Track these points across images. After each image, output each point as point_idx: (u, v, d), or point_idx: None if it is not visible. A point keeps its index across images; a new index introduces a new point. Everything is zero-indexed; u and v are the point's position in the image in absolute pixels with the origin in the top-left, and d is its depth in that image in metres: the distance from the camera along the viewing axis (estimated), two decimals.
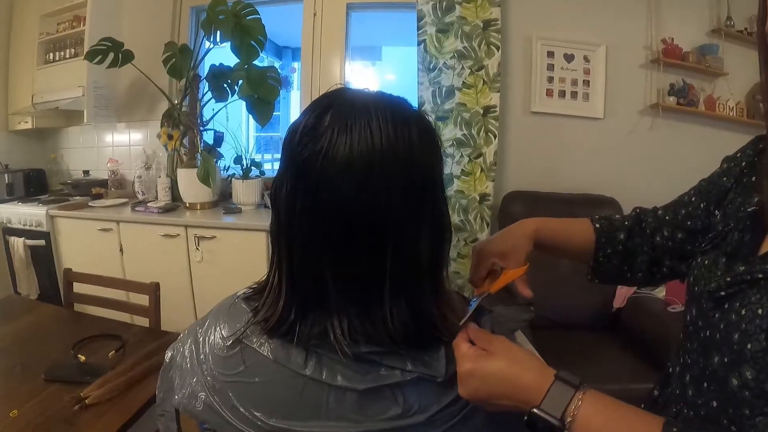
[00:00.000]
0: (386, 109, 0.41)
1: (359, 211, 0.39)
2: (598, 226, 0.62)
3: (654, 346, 1.54)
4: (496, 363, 0.39)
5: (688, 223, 0.55)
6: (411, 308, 0.42)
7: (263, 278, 0.48)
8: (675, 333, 1.58)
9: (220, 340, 0.46)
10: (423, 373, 0.41)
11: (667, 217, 0.58)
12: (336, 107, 0.41)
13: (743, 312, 0.39)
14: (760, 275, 0.38)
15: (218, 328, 0.47)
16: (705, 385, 0.42)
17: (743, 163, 0.50)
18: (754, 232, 0.44)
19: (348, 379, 0.41)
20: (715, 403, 0.41)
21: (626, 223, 0.61)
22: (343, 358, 0.41)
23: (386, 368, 0.41)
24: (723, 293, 0.41)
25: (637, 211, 0.62)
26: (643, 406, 0.51)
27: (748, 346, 0.37)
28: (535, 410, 0.37)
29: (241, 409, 0.42)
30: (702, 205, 0.54)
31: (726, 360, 0.39)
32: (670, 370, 0.50)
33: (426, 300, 0.43)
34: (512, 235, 0.59)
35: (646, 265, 0.59)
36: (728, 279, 0.41)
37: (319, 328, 0.42)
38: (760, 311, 0.37)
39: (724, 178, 0.52)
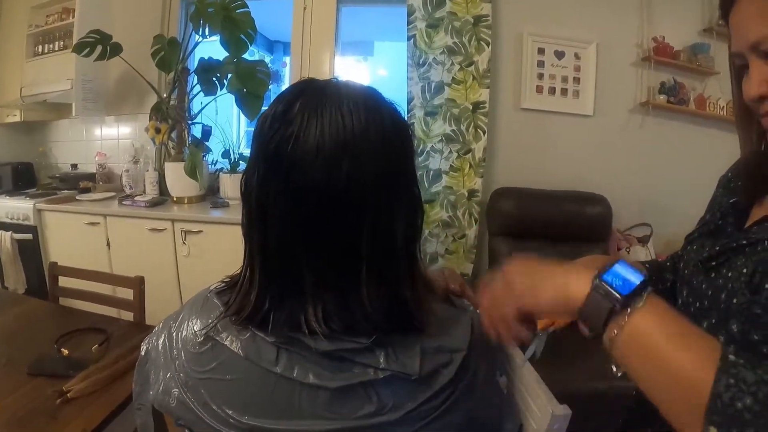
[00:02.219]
0: (357, 96, 0.41)
1: (331, 194, 0.39)
2: (647, 266, 0.61)
3: None
4: (537, 265, 0.40)
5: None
6: (387, 291, 0.41)
7: (236, 272, 0.47)
8: None
9: (191, 336, 0.46)
10: (396, 371, 0.41)
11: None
12: (306, 94, 0.41)
13: (729, 274, 0.40)
14: (744, 241, 0.40)
15: (191, 323, 0.47)
16: None
17: (729, 174, 0.53)
18: (736, 216, 0.46)
19: (319, 377, 0.41)
20: None
21: (668, 263, 0.61)
22: (315, 355, 0.41)
23: (359, 366, 0.41)
24: (714, 263, 0.43)
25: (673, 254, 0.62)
26: (634, 393, 0.52)
27: (734, 300, 0.38)
28: (595, 281, 0.34)
29: (214, 407, 0.42)
30: (708, 216, 0.53)
31: (714, 321, 0.41)
32: None
33: (402, 283, 0.43)
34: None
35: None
36: (717, 248, 0.43)
37: (294, 316, 0.41)
38: (744, 270, 0.39)
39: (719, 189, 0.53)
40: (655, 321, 0.32)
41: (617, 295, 0.33)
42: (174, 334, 0.48)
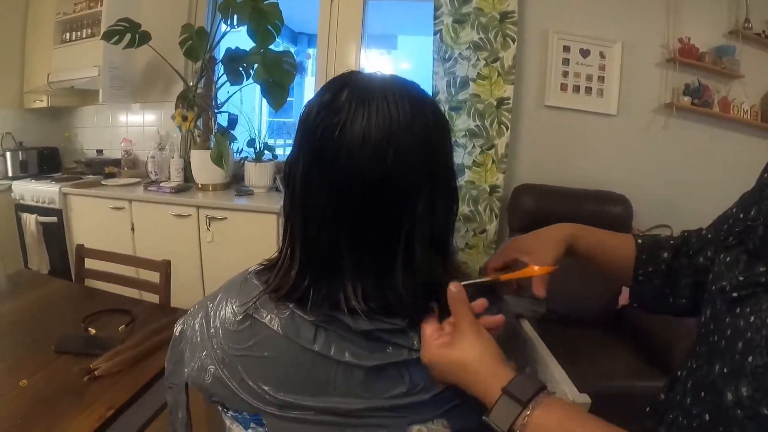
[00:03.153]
0: (402, 89, 0.42)
1: (375, 183, 0.40)
2: (640, 241, 0.56)
3: (658, 345, 1.54)
4: (454, 358, 0.39)
5: (730, 239, 0.46)
6: (422, 277, 0.43)
7: (274, 255, 0.49)
8: (679, 333, 1.58)
9: (230, 315, 0.47)
10: None
11: (709, 236, 0.52)
12: (352, 85, 0.42)
13: (752, 319, 0.35)
14: None
15: (229, 303, 0.48)
16: (702, 394, 0.39)
17: None
18: None
19: (356, 356, 0.42)
20: (707, 417, 0.38)
21: (671, 242, 0.55)
22: (353, 334, 0.42)
23: (393, 346, 0.42)
24: (735, 294, 0.37)
25: (685, 233, 0.56)
26: (648, 409, 0.51)
27: (749, 358, 0.33)
28: (484, 418, 0.36)
29: (250, 383, 0.43)
30: (741, 216, 0.46)
31: (726, 371, 0.36)
32: (678, 373, 0.47)
33: (437, 266, 0.44)
34: (545, 235, 0.56)
35: (689, 290, 0.52)
36: (741, 279, 0.37)
37: (333, 294, 0.42)
38: None
39: (765, 174, 0.45)
40: (553, 420, 0.35)
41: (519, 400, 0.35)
42: (212, 313, 0.49)
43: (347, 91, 0.41)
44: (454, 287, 0.42)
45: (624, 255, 0.56)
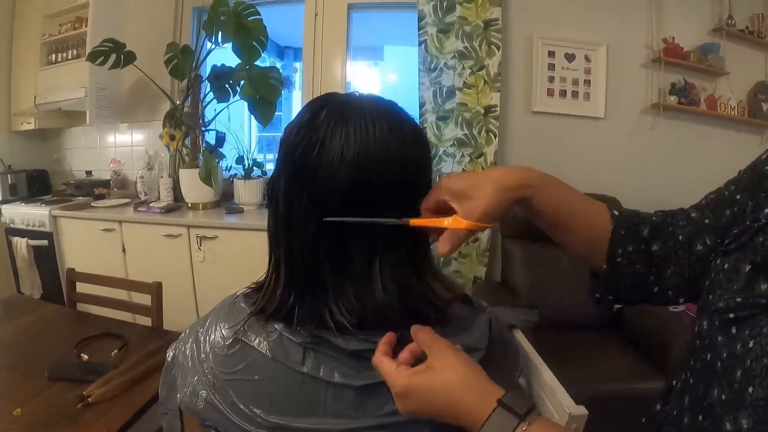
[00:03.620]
0: (379, 107, 0.44)
1: (353, 198, 0.41)
2: (617, 213, 0.46)
3: (656, 345, 1.54)
4: (436, 384, 0.37)
5: (736, 231, 0.40)
6: (402, 285, 0.43)
7: (261, 278, 0.49)
8: (676, 333, 1.57)
9: (220, 339, 0.47)
10: None
11: (706, 221, 0.44)
12: (331, 104, 0.43)
13: (751, 344, 0.32)
14: None
15: (218, 327, 0.48)
16: (700, 418, 0.38)
17: None
18: None
19: (345, 376, 0.42)
20: None
21: (653, 218, 0.47)
22: (341, 354, 0.42)
23: None
24: (732, 315, 0.34)
25: (660, 213, 0.48)
26: (643, 420, 0.49)
27: (750, 389, 0.32)
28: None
29: (241, 406, 0.43)
30: (750, 203, 0.40)
31: (724, 398, 0.34)
32: (674, 383, 0.45)
33: (416, 278, 0.45)
34: (485, 178, 0.42)
35: (680, 279, 0.44)
36: (739, 300, 0.34)
37: (317, 310, 0.43)
38: None
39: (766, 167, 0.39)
40: None
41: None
42: (201, 338, 0.49)
43: (326, 110, 0.42)
44: (415, 334, 0.41)
45: (595, 224, 0.45)
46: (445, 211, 0.43)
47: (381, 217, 0.42)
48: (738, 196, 0.42)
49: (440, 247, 0.42)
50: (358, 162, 0.40)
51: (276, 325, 0.45)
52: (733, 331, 0.34)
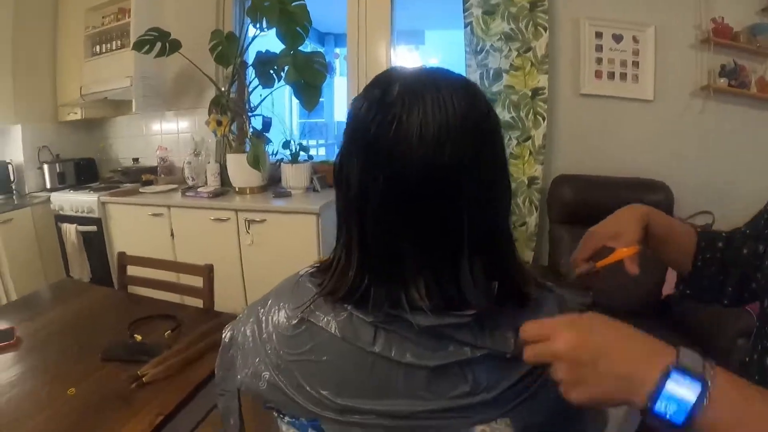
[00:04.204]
0: (452, 80, 0.41)
1: (434, 177, 0.39)
2: (699, 230, 0.61)
3: (703, 334, 1.51)
4: (614, 322, 0.34)
5: (767, 231, 0.52)
6: (491, 268, 0.42)
7: (327, 258, 0.47)
8: (724, 321, 1.54)
9: (284, 319, 0.46)
10: (492, 348, 0.41)
11: (748, 231, 0.56)
12: (402, 80, 0.41)
13: None
14: None
15: (282, 308, 0.47)
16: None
17: None
18: None
19: (417, 356, 0.41)
20: None
21: (723, 234, 0.60)
22: (416, 332, 0.40)
23: (456, 344, 0.41)
24: None
25: (732, 231, 0.61)
26: None
27: None
28: (672, 367, 0.30)
29: (308, 388, 0.42)
30: None
31: None
32: (747, 359, 0.48)
33: (504, 260, 0.44)
34: (623, 217, 0.57)
35: (737, 279, 0.57)
36: None
37: (394, 293, 0.41)
38: None
39: None
40: (736, 404, 0.30)
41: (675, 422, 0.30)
42: (263, 318, 0.48)
43: (398, 85, 0.40)
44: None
45: (688, 239, 0.60)
46: (596, 255, 0.57)
47: (466, 195, 0.39)
48: None
49: (633, 269, 0.54)
50: (438, 139, 0.38)
51: (346, 305, 0.43)
52: None
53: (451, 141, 0.38)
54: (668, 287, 1.78)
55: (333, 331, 0.42)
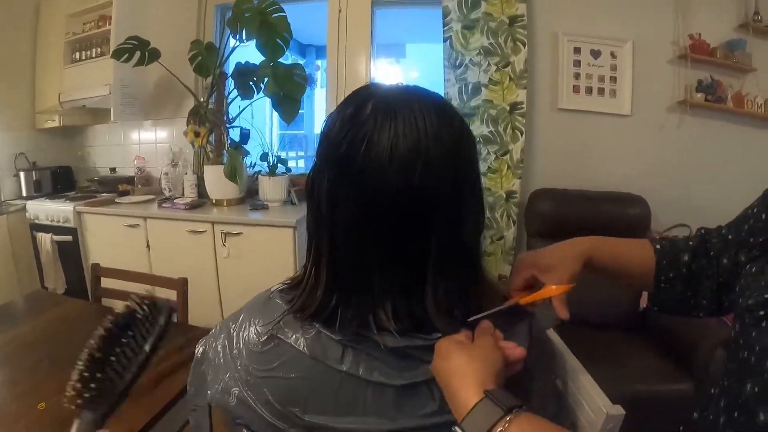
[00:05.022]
0: (426, 100, 0.41)
1: (405, 195, 0.38)
2: (658, 247, 0.56)
3: (681, 346, 1.52)
4: (460, 354, 0.38)
5: (751, 240, 0.48)
6: (454, 288, 0.42)
7: (298, 274, 0.47)
8: (703, 331, 1.56)
9: (254, 335, 0.46)
10: None
11: (730, 236, 0.52)
12: (375, 98, 0.41)
13: None
14: None
15: (252, 323, 0.47)
16: (736, 414, 0.39)
17: None
18: None
19: (385, 375, 0.41)
20: None
21: (690, 243, 0.55)
22: (382, 353, 0.41)
23: (423, 364, 0.41)
24: (762, 312, 0.37)
25: (702, 231, 0.56)
26: (681, 429, 0.49)
27: None
28: (455, 428, 0.35)
29: (276, 405, 0.42)
30: (764, 216, 0.46)
31: (757, 390, 0.36)
32: (712, 391, 0.47)
33: (469, 281, 0.43)
34: (560, 251, 0.54)
35: (711, 291, 0.52)
36: (767, 296, 0.37)
37: (362, 313, 0.41)
38: None
39: None
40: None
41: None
42: (234, 334, 0.48)
43: (371, 103, 0.40)
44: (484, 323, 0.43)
45: (643, 263, 0.56)
46: (530, 287, 0.53)
47: (436, 216, 0.40)
48: (756, 211, 0.48)
49: (562, 312, 0.51)
50: (409, 159, 0.37)
51: (315, 323, 0.43)
52: (764, 324, 0.37)
53: (422, 162, 0.38)
54: (645, 300, 1.79)
55: (301, 349, 0.42)
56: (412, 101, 0.40)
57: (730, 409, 0.40)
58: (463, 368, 0.37)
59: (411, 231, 0.40)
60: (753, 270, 0.42)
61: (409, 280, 0.41)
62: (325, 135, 0.42)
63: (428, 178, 0.38)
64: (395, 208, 0.39)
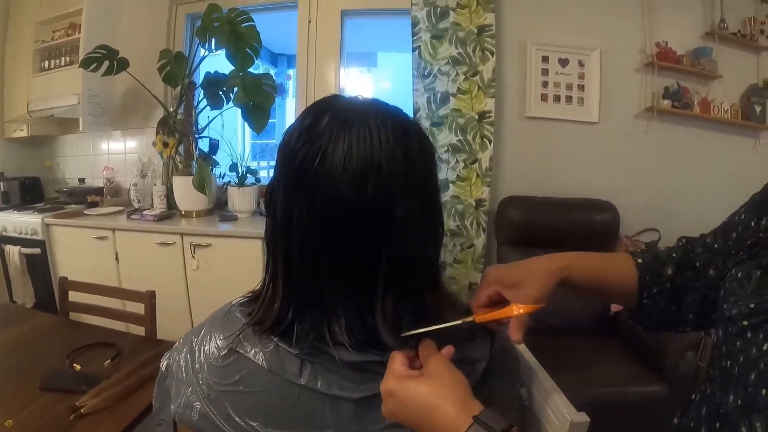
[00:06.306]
0: (384, 114, 0.41)
1: (358, 209, 0.38)
2: (640, 261, 0.52)
3: (651, 349, 1.54)
4: (419, 387, 0.36)
5: (741, 254, 0.44)
6: (406, 304, 0.42)
7: (257, 287, 0.48)
8: (672, 335, 1.58)
9: (215, 350, 0.46)
10: None
11: (716, 245, 0.48)
12: (333, 110, 0.41)
13: (764, 347, 0.33)
14: None
15: (213, 337, 0.47)
16: (717, 425, 0.38)
17: None
18: None
19: (343, 388, 0.41)
20: None
21: (674, 255, 0.52)
22: (339, 366, 0.41)
23: (381, 377, 0.41)
24: (746, 323, 0.36)
25: (684, 241, 0.53)
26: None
27: (763, 391, 0.32)
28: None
29: (237, 419, 0.42)
30: (753, 222, 0.44)
31: (740, 402, 0.35)
32: (693, 397, 0.46)
33: (421, 296, 0.43)
34: (531, 266, 0.49)
35: (697, 304, 0.49)
36: (752, 306, 0.36)
37: (317, 327, 0.41)
38: None
39: None
40: None
41: None
42: (196, 348, 0.48)
43: (329, 115, 0.40)
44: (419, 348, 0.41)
45: (624, 279, 0.52)
46: (496, 303, 0.49)
47: (388, 231, 0.39)
48: (743, 217, 0.46)
49: (514, 336, 0.46)
50: (361, 173, 0.38)
51: (273, 337, 0.43)
52: (749, 335, 0.36)
53: (374, 176, 0.38)
54: (616, 306, 1.81)
55: (260, 363, 0.43)
56: (369, 115, 0.40)
57: (711, 419, 0.40)
58: (431, 395, 0.36)
59: (362, 244, 0.40)
60: (739, 275, 0.40)
61: (360, 293, 0.41)
62: (284, 145, 0.42)
63: (380, 192, 0.38)
64: (346, 220, 0.39)
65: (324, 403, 0.41)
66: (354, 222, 0.39)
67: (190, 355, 0.48)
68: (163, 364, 0.52)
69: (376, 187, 0.38)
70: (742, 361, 0.36)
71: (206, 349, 0.47)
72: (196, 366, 0.47)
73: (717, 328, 0.42)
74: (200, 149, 2.05)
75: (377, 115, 0.40)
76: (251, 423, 0.42)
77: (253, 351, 0.43)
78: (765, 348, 0.33)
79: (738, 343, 0.37)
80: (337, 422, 0.41)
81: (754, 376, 0.34)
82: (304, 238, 0.40)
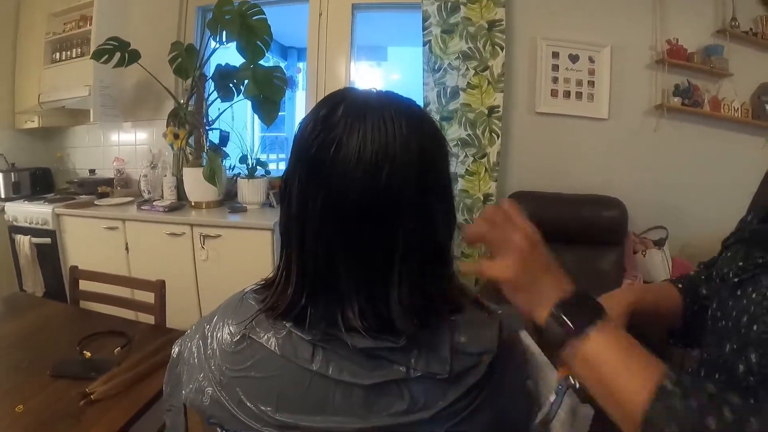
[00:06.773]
0: (398, 105, 0.42)
1: (370, 199, 0.39)
2: (680, 286, 0.60)
3: (653, 346, 1.54)
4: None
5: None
6: (419, 292, 0.42)
7: (270, 275, 0.48)
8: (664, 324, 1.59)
9: (227, 336, 0.46)
10: (428, 372, 0.41)
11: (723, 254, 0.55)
12: (348, 101, 0.42)
13: (754, 296, 0.39)
14: None
15: (226, 324, 0.48)
16: (717, 376, 0.42)
17: None
18: None
19: (354, 374, 0.41)
20: None
21: (702, 277, 0.59)
22: (351, 353, 0.41)
23: (393, 364, 0.42)
24: (737, 279, 0.41)
25: (703, 265, 0.60)
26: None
27: (754, 327, 0.37)
28: (552, 309, 0.37)
29: (249, 404, 0.43)
30: (749, 218, 0.50)
31: (735, 346, 0.39)
32: (689, 370, 0.50)
33: (434, 283, 0.44)
34: (612, 299, 0.55)
35: None
36: (741, 264, 0.41)
37: (330, 313, 0.42)
38: None
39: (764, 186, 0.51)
40: (604, 348, 0.36)
41: (570, 326, 0.37)
42: (208, 334, 0.48)
43: (343, 106, 0.41)
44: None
45: (675, 304, 0.59)
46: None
47: (402, 219, 0.41)
48: (750, 219, 0.50)
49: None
50: (376, 162, 0.39)
51: (286, 323, 0.44)
52: (739, 292, 0.41)
53: (388, 165, 0.39)
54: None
55: (273, 348, 0.43)
56: (383, 106, 0.41)
57: (710, 374, 0.43)
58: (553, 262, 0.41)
59: (376, 232, 0.41)
60: (728, 254, 0.46)
61: (374, 280, 0.42)
62: (298, 136, 0.43)
63: (394, 182, 0.39)
64: (361, 209, 0.40)
65: (335, 389, 0.41)
66: (368, 210, 0.40)
67: (203, 341, 0.49)
68: (175, 350, 0.53)
69: (390, 176, 0.39)
70: (735, 314, 0.40)
71: (219, 335, 0.47)
72: (209, 352, 0.47)
73: (711, 301, 0.47)
74: (210, 141, 2.06)
75: (391, 106, 0.41)
76: (263, 408, 0.42)
77: (265, 336, 0.44)
78: (753, 296, 0.39)
79: (731, 303, 0.42)
80: (348, 408, 0.41)
81: (746, 318, 0.38)
82: (318, 227, 0.41)
